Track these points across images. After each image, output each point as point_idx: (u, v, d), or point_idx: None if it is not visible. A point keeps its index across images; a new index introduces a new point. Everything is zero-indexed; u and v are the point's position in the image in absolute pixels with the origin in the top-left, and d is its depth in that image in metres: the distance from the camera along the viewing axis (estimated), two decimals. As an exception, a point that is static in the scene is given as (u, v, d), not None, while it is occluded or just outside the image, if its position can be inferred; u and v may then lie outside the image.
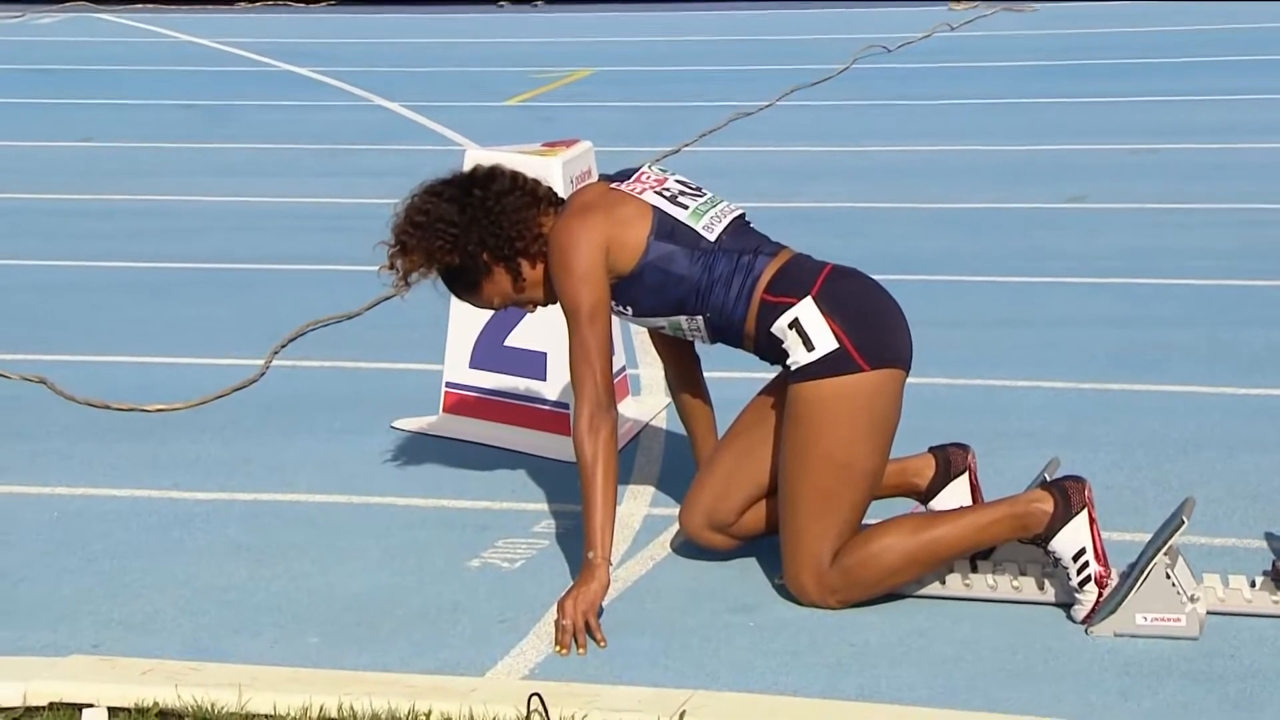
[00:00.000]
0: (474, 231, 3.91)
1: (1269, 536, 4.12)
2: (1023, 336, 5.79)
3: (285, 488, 4.68)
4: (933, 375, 5.10)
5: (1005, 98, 10.05)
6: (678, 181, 4.03)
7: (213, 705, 3.46)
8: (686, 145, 8.86)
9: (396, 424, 5.10)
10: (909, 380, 3.91)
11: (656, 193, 3.97)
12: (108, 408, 5.31)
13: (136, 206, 8.06)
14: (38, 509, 4.57)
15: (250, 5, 14.80)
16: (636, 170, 4.05)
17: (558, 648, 3.72)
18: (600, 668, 3.64)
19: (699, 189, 4.04)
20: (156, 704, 3.48)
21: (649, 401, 5.21)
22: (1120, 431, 4.88)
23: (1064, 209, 7.53)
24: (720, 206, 4.00)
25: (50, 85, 11.33)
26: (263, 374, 5.60)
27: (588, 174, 4.89)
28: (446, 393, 5.06)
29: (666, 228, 3.92)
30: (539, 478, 4.68)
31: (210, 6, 14.86)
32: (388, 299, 5.93)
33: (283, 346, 5.84)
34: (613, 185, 4.00)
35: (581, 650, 3.71)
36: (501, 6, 14.71)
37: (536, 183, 4.02)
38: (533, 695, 3.39)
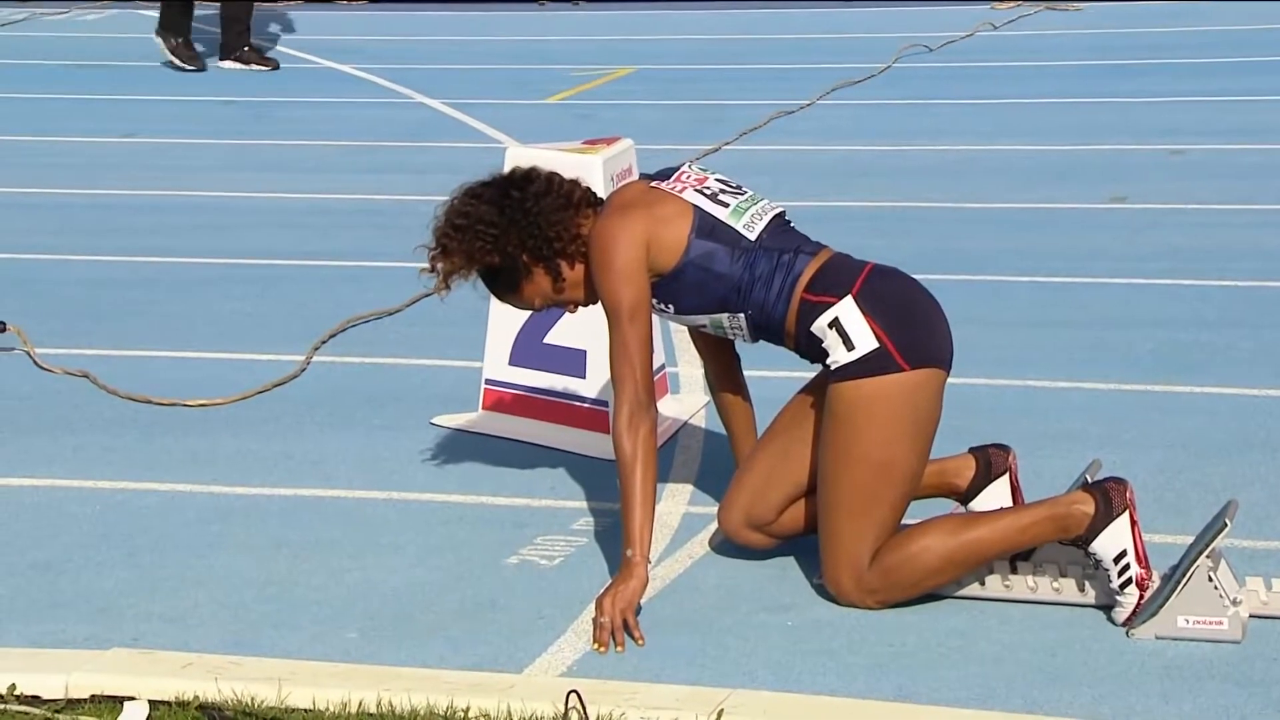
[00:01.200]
0: (513, 232, 3.92)
1: (1312, 540, 4.10)
2: (1064, 337, 5.77)
3: (324, 483, 4.69)
4: (973, 375, 5.08)
5: (1048, 97, 10.00)
6: (718, 180, 4.03)
7: (252, 699, 3.48)
8: (727, 144, 8.84)
9: (436, 420, 5.11)
10: (949, 380, 3.89)
11: (697, 191, 3.96)
12: (150, 402, 5.33)
13: (178, 202, 8.08)
14: (80, 502, 4.60)
15: (291, 2, 14.83)
16: (677, 169, 4.04)
17: (596, 645, 3.72)
18: (638, 666, 3.64)
19: (739, 187, 4.03)
20: (197, 697, 3.50)
21: (688, 400, 5.20)
22: (1162, 433, 4.85)
23: (1106, 209, 7.49)
24: (760, 205, 3.99)
25: (94, 81, 11.38)
26: (303, 370, 5.62)
27: (628, 172, 4.89)
28: (486, 390, 5.06)
29: (707, 226, 3.91)
30: (578, 475, 4.68)
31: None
32: (427, 296, 5.93)
33: (323, 343, 5.85)
34: (653, 184, 4.00)
35: (620, 648, 3.71)
36: (543, 4, 14.71)
37: (574, 183, 4.03)
38: (571, 692, 3.40)
